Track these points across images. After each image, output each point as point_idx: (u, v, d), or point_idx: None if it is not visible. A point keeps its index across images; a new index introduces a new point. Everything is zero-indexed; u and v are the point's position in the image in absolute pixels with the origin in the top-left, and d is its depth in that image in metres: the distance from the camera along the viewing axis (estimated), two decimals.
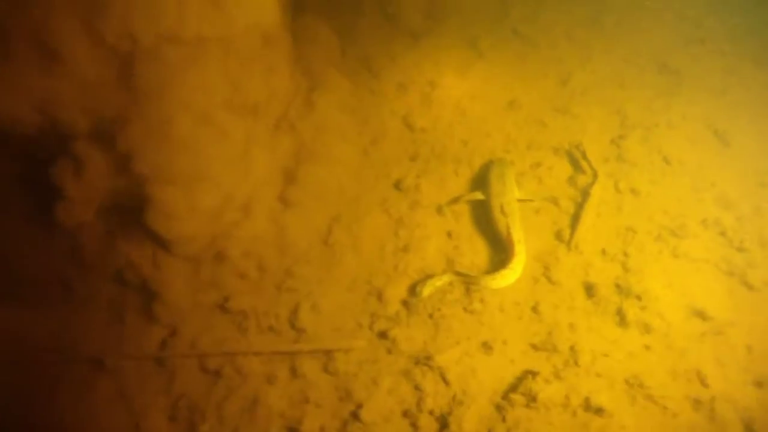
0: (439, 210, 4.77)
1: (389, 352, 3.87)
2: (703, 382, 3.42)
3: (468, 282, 4.12)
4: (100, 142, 3.96)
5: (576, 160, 4.90)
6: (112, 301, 4.40)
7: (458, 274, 4.15)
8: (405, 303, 4.12)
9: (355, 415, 3.54)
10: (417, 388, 3.65)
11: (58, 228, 4.19)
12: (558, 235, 4.41)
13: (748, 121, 4.85)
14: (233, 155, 4.23)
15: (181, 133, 3.92)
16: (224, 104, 4.13)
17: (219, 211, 4.16)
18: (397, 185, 5.00)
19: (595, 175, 4.68)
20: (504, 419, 3.39)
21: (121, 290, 4.38)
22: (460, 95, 5.67)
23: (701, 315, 3.70)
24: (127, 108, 3.83)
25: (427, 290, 4.07)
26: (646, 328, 3.70)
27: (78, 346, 4.21)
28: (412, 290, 4.15)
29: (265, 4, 4.29)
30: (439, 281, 4.12)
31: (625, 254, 4.15)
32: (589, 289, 3.99)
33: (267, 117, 4.62)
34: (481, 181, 4.88)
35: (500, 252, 4.38)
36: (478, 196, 4.71)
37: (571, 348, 3.68)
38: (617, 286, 3.96)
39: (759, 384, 3.39)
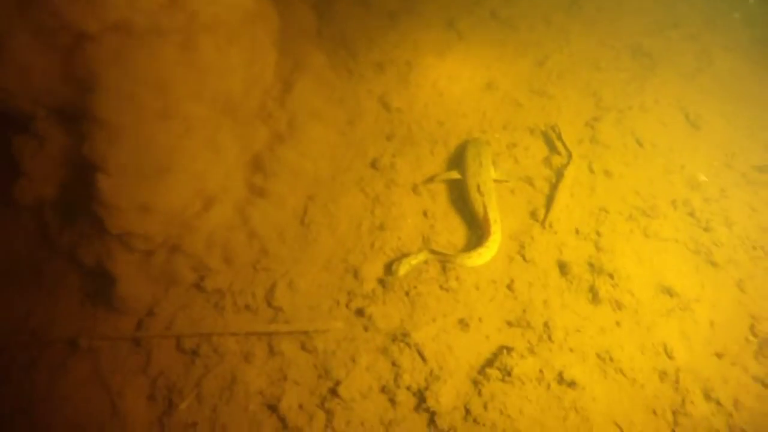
0: (415, 189, 4.80)
1: (366, 329, 3.91)
2: (669, 355, 3.56)
3: (444, 260, 4.18)
4: (61, 121, 3.86)
5: (551, 141, 4.98)
6: (81, 283, 4.33)
7: (434, 252, 4.19)
8: (381, 282, 4.16)
9: (333, 392, 3.58)
10: (394, 364, 3.70)
11: (22, 208, 4.10)
12: (533, 215, 4.49)
13: (718, 105, 5.01)
14: (199, 148, 4.08)
15: (132, 127, 3.77)
16: (191, 96, 4.00)
17: (181, 208, 4.03)
18: (374, 164, 5.00)
19: (569, 156, 4.76)
20: (480, 393, 3.48)
21: (87, 273, 4.30)
22: (437, 76, 5.68)
23: (669, 292, 3.83)
24: (78, 98, 3.73)
25: (403, 269, 4.11)
26: (617, 305, 3.82)
27: (51, 328, 4.15)
28: (388, 269, 4.19)
29: None
30: (415, 260, 4.17)
31: (598, 234, 4.25)
32: (563, 268, 4.09)
33: (245, 106, 4.50)
34: (457, 160, 4.92)
35: (476, 230, 4.44)
36: (454, 175, 4.75)
37: (545, 324, 3.77)
38: (590, 264, 4.06)
39: (719, 355, 3.56)
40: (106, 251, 4.03)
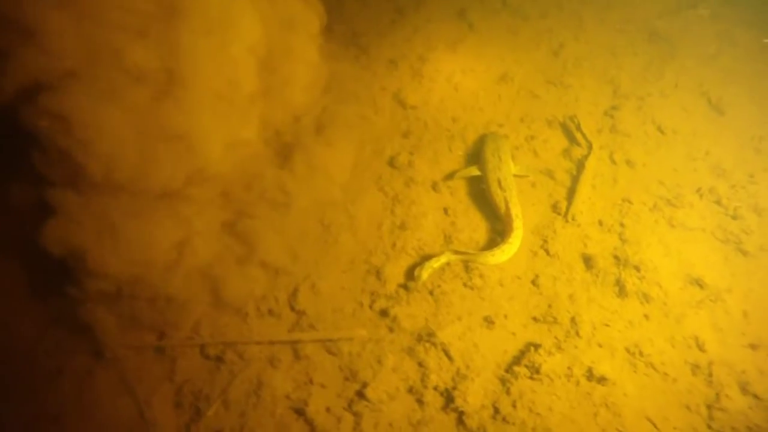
0: (435, 186, 4.76)
1: (391, 330, 3.89)
2: (701, 348, 3.51)
3: (466, 260, 4.14)
4: None
5: (570, 132, 4.91)
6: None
7: (456, 253, 4.15)
8: (404, 287, 4.11)
9: (360, 394, 3.58)
10: (421, 364, 3.69)
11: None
12: (555, 208, 4.44)
13: (742, 87, 4.89)
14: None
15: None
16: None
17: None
18: (392, 162, 4.97)
19: (589, 147, 4.70)
20: (508, 392, 3.45)
21: None
22: (451, 70, 5.62)
23: (698, 283, 3.77)
24: None
25: (425, 273, 4.05)
26: (645, 298, 3.76)
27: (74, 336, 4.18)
28: (410, 274, 4.13)
29: None
30: (437, 263, 4.11)
31: (622, 225, 4.19)
32: (588, 261, 4.04)
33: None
34: (476, 155, 4.87)
35: (498, 226, 4.39)
36: (474, 171, 4.71)
37: (572, 319, 3.73)
38: (615, 257, 4.01)
39: (754, 347, 3.49)
40: None
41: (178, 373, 3.92)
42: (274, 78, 4.42)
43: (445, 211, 4.59)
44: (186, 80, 3.69)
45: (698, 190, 4.29)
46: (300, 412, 3.59)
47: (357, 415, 3.51)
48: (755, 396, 3.25)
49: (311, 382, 3.73)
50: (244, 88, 4.04)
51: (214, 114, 3.86)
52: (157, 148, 3.68)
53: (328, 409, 3.59)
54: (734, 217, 4.08)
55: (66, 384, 3.93)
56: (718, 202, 4.18)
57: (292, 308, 4.15)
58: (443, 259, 4.10)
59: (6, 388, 3.91)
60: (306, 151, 4.64)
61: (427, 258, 4.15)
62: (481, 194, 4.63)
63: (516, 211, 4.26)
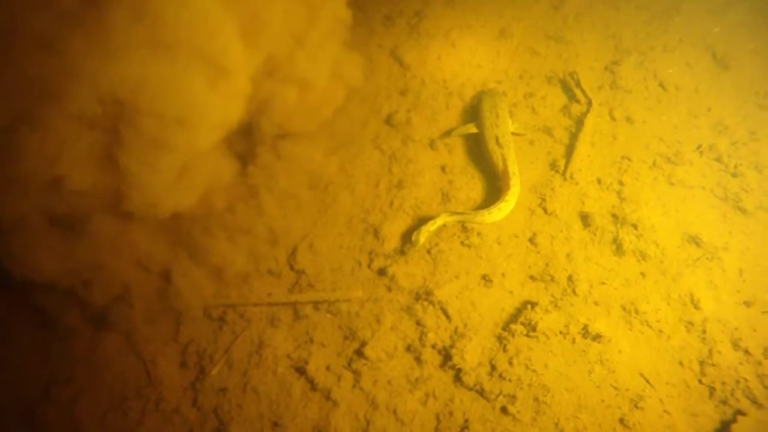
0: (432, 144, 4.65)
1: (389, 289, 3.87)
2: (696, 305, 3.47)
3: (463, 220, 4.07)
4: None
5: (570, 88, 4.75)
6: None
7: (452, 214, 4.06)
8: (401, 252, 4.02)
9: (359, 353, 3.58)
10: (419, 323, 3.67)
11: None
12: (553, 166, 4.34)
13: (749, 41, 4.68)
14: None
15: None
16: None
17: None
18: (389, 120, 4.84)
19: (589, 104, 4.55)
20: (505, 349, 3.45)
21: None
22: (449, 26, 5.40)
23: (695, 241, 3.71)
24: None
25: (422, 237, 3.95)
26: (642, 256, 3.71)
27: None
28: (408, 239, 4.04)
29: None
30: (434, 225, 4.01)
31: (621, 183, 4.10)
32: (585, 219, 3.97)
33: None
34: (473, 113, 4.73)
35: (495, 184, 4.30)
36: (471, 129, 4.58)
37: (569, 278, 3.69)
38: (613, 215, 3.93)
39: (748, 303, 3.46)
40: None
41: (182, 333, 3.93)
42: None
43: (443, 169, 4.49)
44: None
45: (698, 147, 4.17)
46: (301, 371, 3.60)
47: (356, 373, 3.53)
48: (746, 351, 3.24)
49: (311, 341, 3.73)
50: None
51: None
52: None
53: (328, 368, 3.60)
54: (734, 175, 3.98)
55: (77, 346, 3.95)
56: (719, 160, 4.07)
57: (292, 268, 4.12)
58: (439, 222, 4.02)
59: (21, 352, 3.94)
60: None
61: (423, 221, 4.06)
62: (478, 152, 4.52)
63: (513, 168, 4.16)
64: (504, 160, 4.21)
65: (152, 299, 3.91)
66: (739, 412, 3.04)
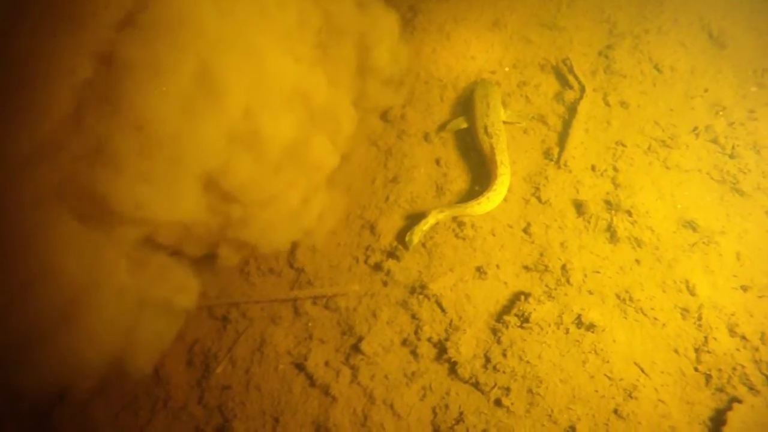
0: (427, 137, 4.51)
1: (385, 284, 3.78)
2: (692, 292, 3.30)
3: (454, 214, 3.93)
4: None
5: (563, 75, 4.54)
6: None
7: (442, 210, 3.89)
8: (394, 254, 3.88)
9: (356, 348, 3.51)
10: (414, 317, 3.58)
11: None
12: (547, 154, 4.16)
13: (747, 18, 4.40)
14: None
15: None
16: None
17: None
18: (384, 116, 4.71)
19: (582, 90, 4.35)
20: (499, 341, 3.33)
21: None
22: (443, 19, 5.22)
23: (691, 225, 3.52)
24: None
25: (416, 237, 3.83)
26: (637, 243, 3.54)
27: None
28: (401, 240, 3.91)
29: None
30: (426, 225, 3.86)
31: (615, 169, 3.91)
32: (579, 207, 3.80)
33: None
34: (465, 104, 4.57)
35: (485, 173, 4.15)
36: (462, 124, 4.42)
37: (563, 267, 3.55)
38: (607, 202, 3.76)
39: (745, 288, 3.27)
40: None
41: (188, 333, 3.90)
42: None
43: (438, 162, 4.36)
44: None
45: (695, 129, 3.94)
46: (300, 367, 3.55)
47: (354, 369, 3.46)
48: (743, 337, 3.06)
49: (311, 337, 3.67)
50: None
51: None
52: None
53: (326, 363, 3.53)
54: (731, 156, 3.76)
55: None
56: (715, 141, 3.85)
57: (291, 266, 4.06)
58: (431, 221, 3.86)
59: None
60: None
61: (415, 221, 3.91)
62: (471, 143, 4.37)
63: (501, 157, 3.99)
64: (492, 149, 4.05)
65: None
66: (735, 399, 2.88)
